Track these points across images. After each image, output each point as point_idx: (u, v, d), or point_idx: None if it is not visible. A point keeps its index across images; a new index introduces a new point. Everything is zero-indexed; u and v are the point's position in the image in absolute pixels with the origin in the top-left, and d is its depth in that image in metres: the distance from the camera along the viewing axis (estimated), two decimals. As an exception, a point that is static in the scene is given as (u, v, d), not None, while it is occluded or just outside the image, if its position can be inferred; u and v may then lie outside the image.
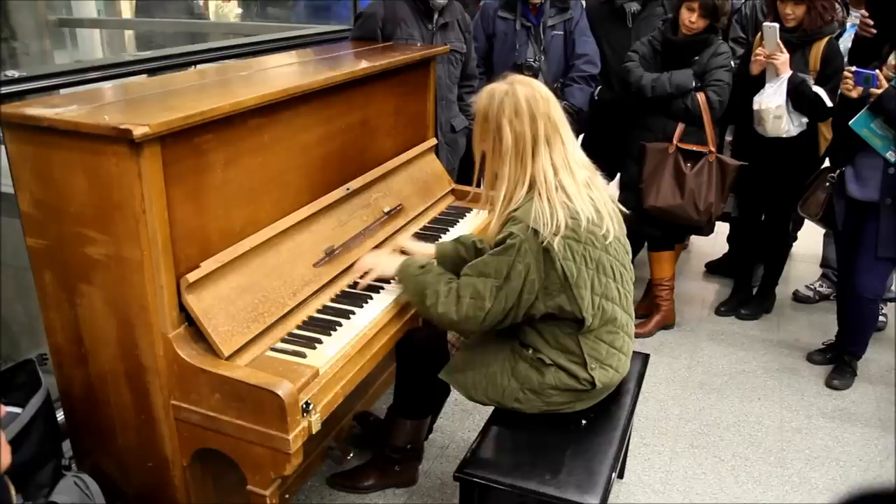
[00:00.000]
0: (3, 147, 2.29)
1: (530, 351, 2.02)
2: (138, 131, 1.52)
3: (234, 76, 2.34)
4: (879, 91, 2.77)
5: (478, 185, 2.15)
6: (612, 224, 1.96)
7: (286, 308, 1.96)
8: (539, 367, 2.01)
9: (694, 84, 3.30)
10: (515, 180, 1.91)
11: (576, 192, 1.89)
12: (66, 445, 2.01)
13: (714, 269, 4.39)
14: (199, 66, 2.86)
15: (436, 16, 3.22)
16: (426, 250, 2.34)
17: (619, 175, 3.67)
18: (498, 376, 2.04)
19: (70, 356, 1.87)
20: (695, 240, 4.60)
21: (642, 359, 2.42)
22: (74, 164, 1.64)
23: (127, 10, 4.84)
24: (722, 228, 4.11)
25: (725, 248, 4.37)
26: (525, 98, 1.89)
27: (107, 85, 2.52)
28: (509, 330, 2.04)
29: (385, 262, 2.20)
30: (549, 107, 1.92)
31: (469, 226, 2.74)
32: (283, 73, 2.47)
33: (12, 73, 2.23)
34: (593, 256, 1.90)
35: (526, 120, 1.89)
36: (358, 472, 2.55)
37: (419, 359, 2.29)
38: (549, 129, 1.90)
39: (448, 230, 2.66)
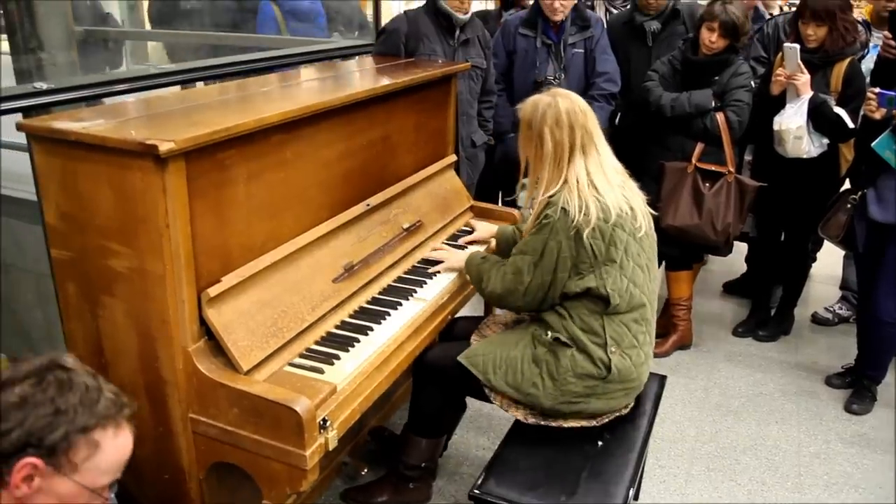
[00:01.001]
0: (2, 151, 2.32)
1: (549, 334, 2.11)
2: (164, 147, 1.53)
3: (255, 91, 2.35)
4: (902, 114, 2.75)
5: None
6: (645, 221, 2.12)
7: (305, 323, 1.97)
8: (556, 349, 2.10)
9: (713, 104, 3.29)
10: (549, 182, 2.09)
11: (608, 190, 2.07)
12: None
13: (732, 289, 4.36)
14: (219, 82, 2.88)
15: (458, 32, 3.24)
16: (489, 228, 2.76)
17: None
18: (518, 362, 2.13)
19: (90, 367, 1.87)
20: (713, 259, 4.57)
21: (659, 380, 2.40)
22: (100, 177, 1.66)
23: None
24: (741, 248, 4.09)
25: (744, 267, 4.34)
26: (566, 110, 2.08)
27: (132, 98, 2.56)
28: (531, 315, 2.19)
29: (455, 256, 2.50)
30: (587, 119, 2.10)
31: (487, 242, 2.74)
32: (304, 88, 2.49)
33: (40, 86, 2.26)
34: (621, 238, 2.04)
35: (565, 129, 2.07)
36: (372, 487, 2.54)
37: (435, 377, 2.29)
38: (586, 139, 2.09)
39: (466, 247, 2.66)
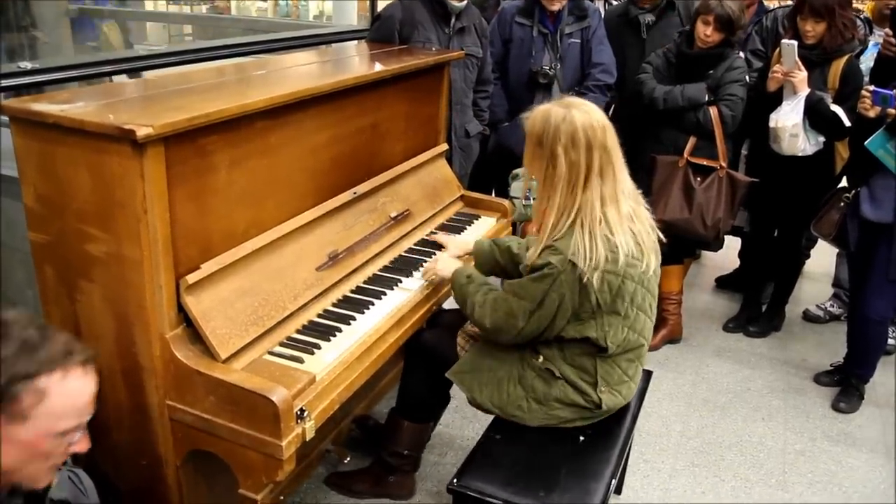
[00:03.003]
0: (1, 130, 2.29)
1: (539, 360, 2.03)
2: (141, 132, 1.51)
3: (250, 75, 2.32)
4: (897, 112, 2.73)
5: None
6: (652, 258, 1.96)
7: (286, 312, 1.95)
8: (547, 377, 2.03)
9: (707, 98, 3.27)
10: (563, 208, 1.89)
11: (619, 225, 1.89)
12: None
13: (724, 283, 4.34)
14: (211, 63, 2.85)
15: (453, 19, 3.21)
16: (466, 246, 2.48)
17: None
18: (505, 382, 2.07)
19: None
20: (706, 254, 4.56)
21: (645, 376, 2.39)
22: (78, 161, 1.64)
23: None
24: (734, 243, 4.07)
25: (737, 262, 4.32)
26: (582, 126, 1.86)
27: (120, 79, 2.53)
28: None
29: (445, 265, 2.28)
30: (606, 136, 1.89)
31: (476, 232, 2.73)
32: (299, 73, 2.46)
33: (25, 65, 2.24)
34: (629, 290, 1.92)
35: (582, 150, 1.86)
36: (353, 475, 2.54)
37: (427, 359, 2.29)
38: (604, 160, 1.88)
39: (454, 237, 2.64)
